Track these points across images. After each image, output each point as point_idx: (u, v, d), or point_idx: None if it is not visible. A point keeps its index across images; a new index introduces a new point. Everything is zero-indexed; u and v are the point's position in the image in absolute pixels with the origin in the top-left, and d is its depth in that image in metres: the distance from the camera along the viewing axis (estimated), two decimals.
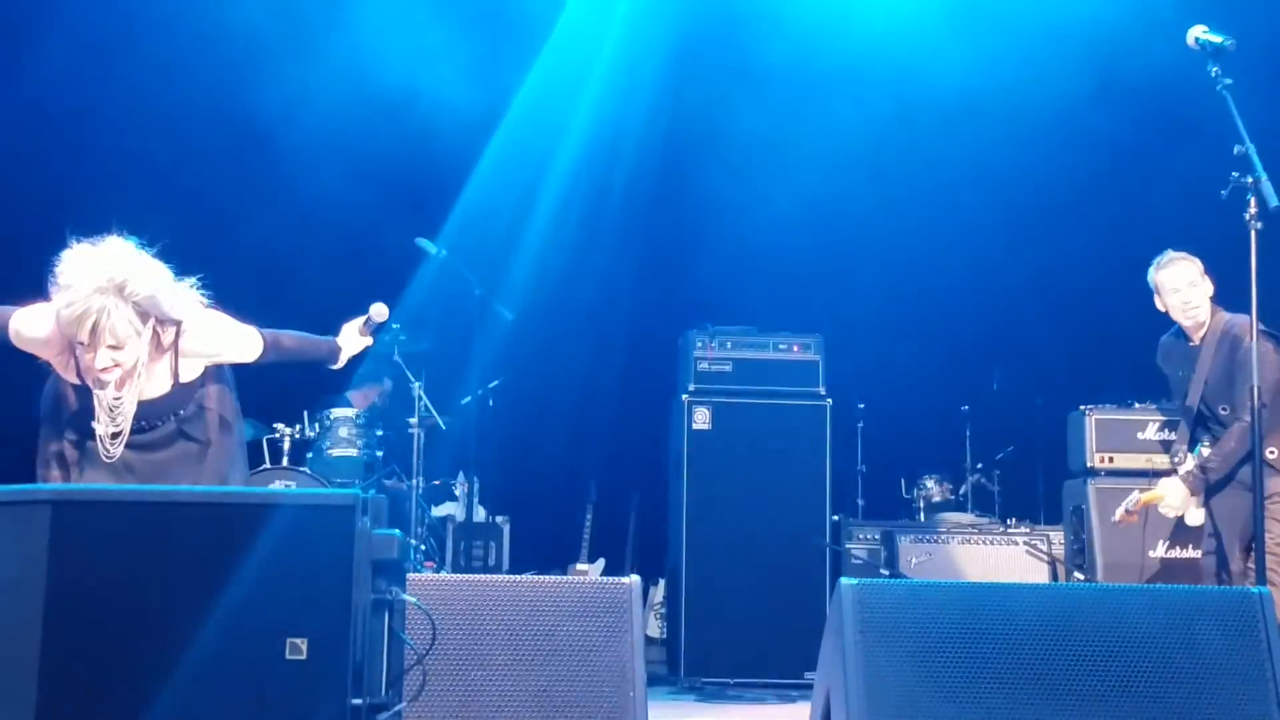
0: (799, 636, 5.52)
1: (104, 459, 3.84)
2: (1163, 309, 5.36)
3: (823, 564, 6.37)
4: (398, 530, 1.75)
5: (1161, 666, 2.86)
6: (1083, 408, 6.59)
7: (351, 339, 4.36)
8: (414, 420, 6.89)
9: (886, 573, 6.56)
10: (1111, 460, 6.44)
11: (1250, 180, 3.90)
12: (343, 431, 6.97)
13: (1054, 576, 6.61)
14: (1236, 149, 3.93)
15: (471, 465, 7.37)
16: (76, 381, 3.89)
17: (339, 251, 7.71)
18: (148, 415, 3.91)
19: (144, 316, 3.71)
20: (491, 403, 7.26)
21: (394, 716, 1.77)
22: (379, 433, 7.14)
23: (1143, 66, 6.71)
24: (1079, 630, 2.95)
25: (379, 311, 4.36)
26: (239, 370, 4.24)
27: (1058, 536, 6.79)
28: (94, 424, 3.82)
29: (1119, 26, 6.89)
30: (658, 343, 7.36)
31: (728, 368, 6.63)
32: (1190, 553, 5.91)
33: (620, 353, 8.30)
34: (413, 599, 1.77)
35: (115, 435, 3.81)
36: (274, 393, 6.59)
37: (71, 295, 3.63)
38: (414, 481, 6.81)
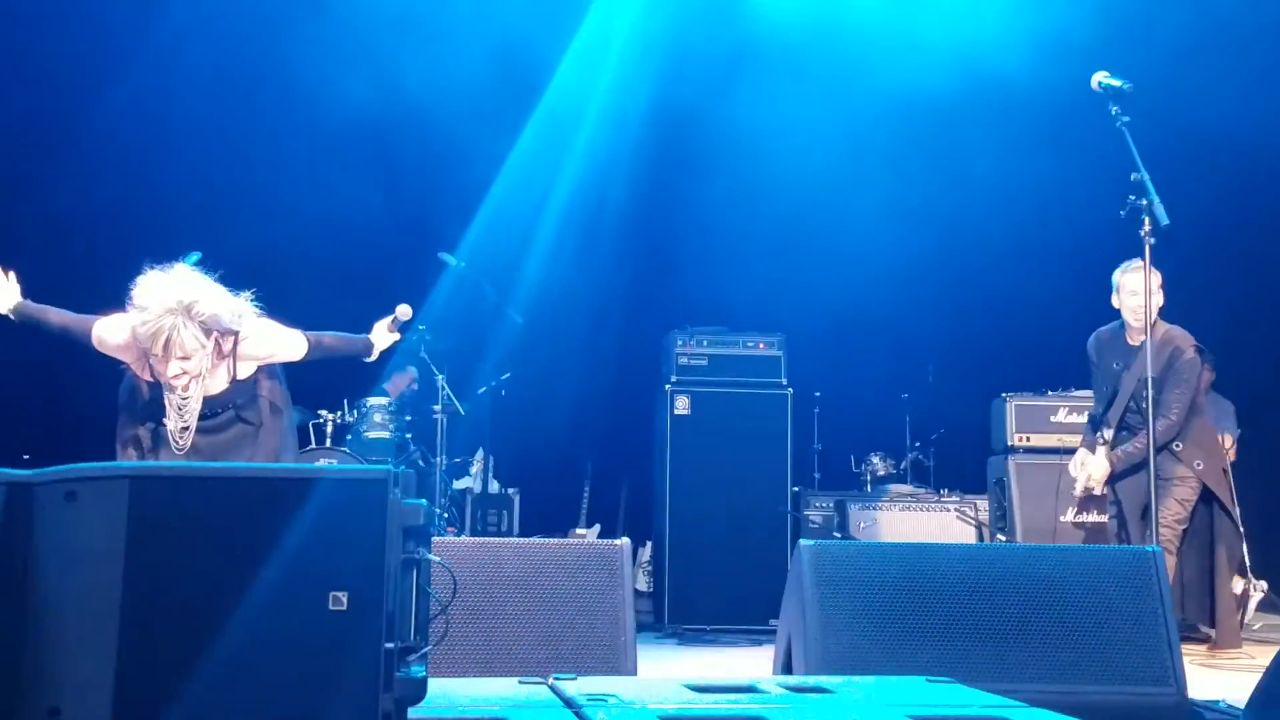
0: (765, 589, 5.51)
1: (175, 450, 3.87)
2: (1116, 305, 5.31)
3: (784, 528, 6.35)
4: (424, 500, 1.74)
5: (1071, 613, 2.87)
6: (1004, 395, 6.61)
7: (382, 335, 4.39)
8: (438, 407, 6.86)
9: (839, 535, 6.56)
10: (1028, 439, 6.47)
11: (1145, 203, 3.90)
12: (377, 417, 6.96)
13: (980, 538, 6.61)
14: (1133, 176, 3.94)
15: (487, 445, 7.36)
16: (149, 379, 3.90)
17: (372, 261, 7.68)
18: (210, 406, 3.94)
19: (207, 331, 3.75)
20: (504, 392, 7.25)
21: (422, 658, 1.76)
22: (408, 418, 7.12)
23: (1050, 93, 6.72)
24: (1000, 583, 2.95)
25: (403, 311, 4.38)
26: (289, 365, 4.25)
27: (983, 504, 6.80)
28: (165, 420, 3.86)
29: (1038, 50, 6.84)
30: (645, 341, 7.33)
31: (704, 362, 6.61)
32: (1096, 517, 5.91)
33: (613, 349, 8.26)
34: (437, 558, 1.76)
35: (184, 429, 3.85)
36: (319, 384, 6.58)
37: (146, 315, 3.68)
38: (438, 459, 6.78)
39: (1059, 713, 2.15)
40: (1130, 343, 5.30)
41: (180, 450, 3.89)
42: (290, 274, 6.31)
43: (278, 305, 4.14)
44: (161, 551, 1.73)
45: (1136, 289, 5.08)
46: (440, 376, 6.90)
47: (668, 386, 6.53)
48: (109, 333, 3.93)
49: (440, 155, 7.52)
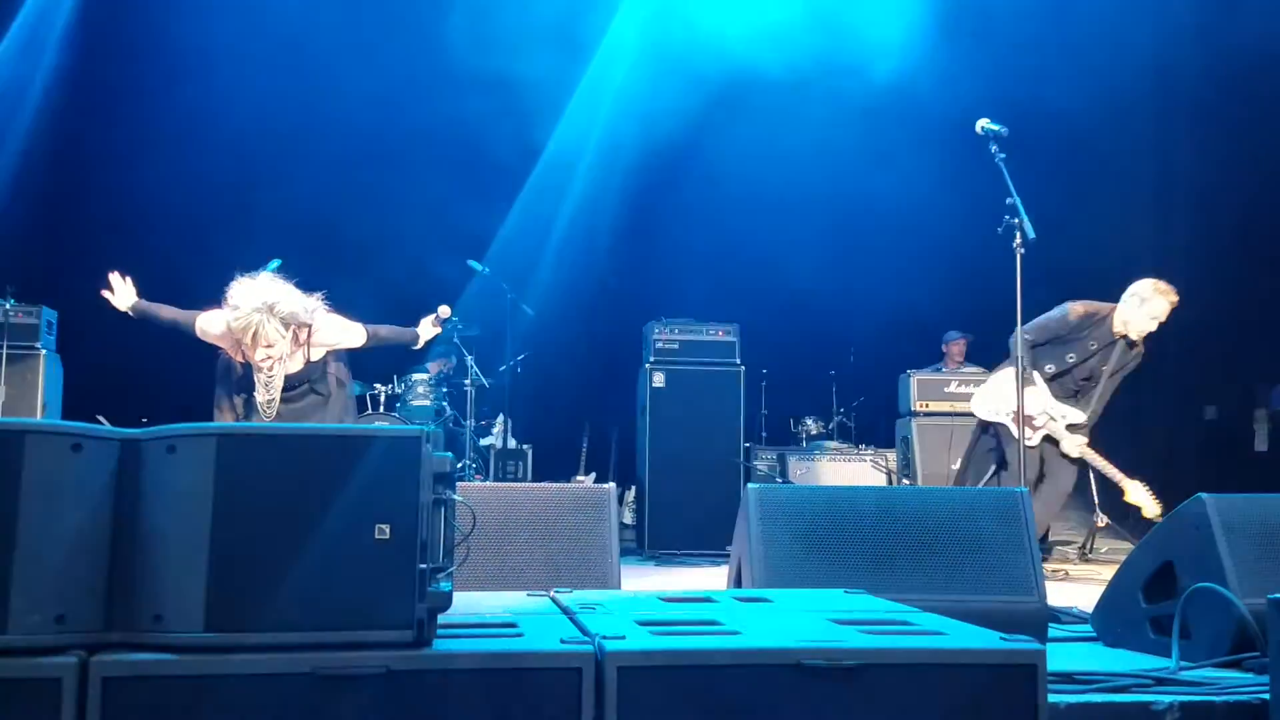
0: (723, 522, 5.40)
1: (263, 417, 3.88)
2: (1134, 313, 4.87)
3: (738, 475, 6.35)
4: (450, 453, 1.73)
5: (956, 539, 2.86)
6: (908, 371, 6.63)
7: (426, 329, 4.40)
8: (468, 381, 6.86)
9: (780, 480, 6.57)
10: (927, 406, 6.51)
11: (1016, 220, 3.89)
12: (420, 389, 6.97)
13: (889, 482, 6.64)
14: (1008, 200, 3.92)
15: (507, 410, 7.34)
16: (241, 361, 3.90)
17: (414, 266, 7.64)
18: (289, 381, 3.94)
19: (286, 325, 3.74)
20: (519, 370, 7.24)
21: (448, 576, 1.75)
22: (444, 389, 7.12)
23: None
24: (902, 516, 2.94)
25: (443, 311, 4.39)
26: (351, 350, 4.25)
27: (892, 456, 6.83)
28: (255, 393, 3.86)
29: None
30: (631, 329, 7.32)
31: (676, 346, 6.59)
32: None
33: (605, 336, 8.26)
34: (460, 498, 1.75)
35: (269, 401, 3.85)
36: (375, 362, 6.57)
37: (239, 312, 3.69)
38: (468, 422, 6.78)
39: (944, 616, 2.16)
40: (1116, 335, 4.91)
41: (267, 417, 3.91)
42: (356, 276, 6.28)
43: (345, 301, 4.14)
44: (243, 493, 1.71)
45: (1159, 316, 4.79)
46: (470, 357, 6.89)
47: (647, 365, 6.53)
48: (209, 325, 3.94)
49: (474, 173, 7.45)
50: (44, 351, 6.42)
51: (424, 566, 1.71)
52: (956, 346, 7.19)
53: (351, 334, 4.12)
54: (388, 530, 1.71)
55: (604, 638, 1.78)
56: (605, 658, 1.73)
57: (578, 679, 1.72)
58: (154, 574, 1.71)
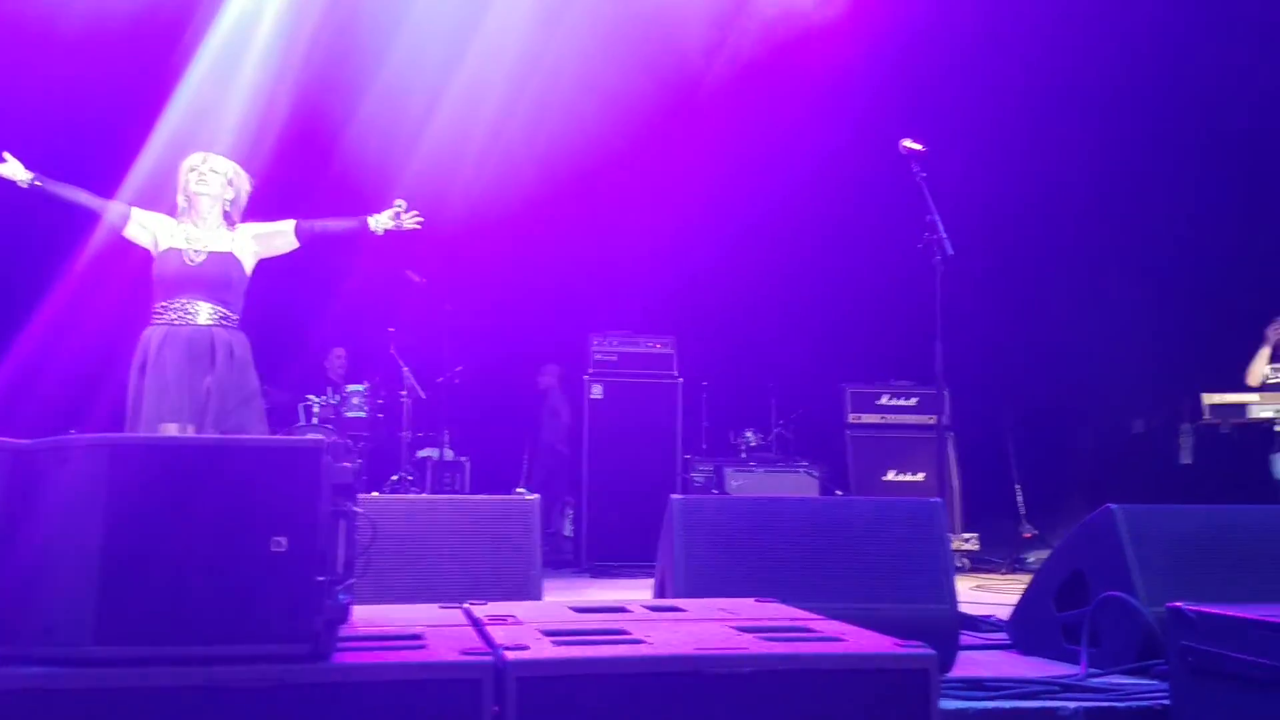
0: (659, 533, 5.53)
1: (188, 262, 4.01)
2: None
3: (675, 486, 6.39)
4: (349, 464, 1.72)
5: (872, 548, 2.90)
6: (843, 384, 6.71)
7: (381, 221, 4.28)
8: (404, 392, 6.81)
9: (716, 491, 6.61)
10: (860, 418, 6.58)
11: (935, 237, 3.96)
12: (355, 400, 6.88)
13: (823, 493, 6.71)
14: (928, 217, 3.99)
15: (444, 423, 7.30)
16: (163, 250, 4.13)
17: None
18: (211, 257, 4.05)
19: (230, 184, 4.15)
20: (458, 380, 7.20)
21: (348, 588, 1.75)
22: (379, 400, 7.05)
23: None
24: (822, 526, 2.97)
25: (399, 204, 4.26)
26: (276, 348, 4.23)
27: (828, 467, 6.90)
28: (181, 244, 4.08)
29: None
30: (572, 341, 7.34)
31: (614, 358, 6.63)
32: (909, 476, 6.03)
33: (547, 347, 8.26)
34: (360, 510, 1.74)
35: (197, 251, 4.08)
36: (313, 373, 6.48)
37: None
38: (404, 433, 6.73)
39: (856, 623, 2.19)
40: None
41: (191, 262, 3.92)
42: None
43: None
44: (136, 504, 1.69)
45: None
46: (406, 369, 6.84)
47: (586, 376, 6.55)
48: (144, 211, 4.04)
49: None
50: None
51: (322, 579, 1.70)
52: None
53: (279, 225, 4.12)
54: (284, 542, 1.70)
55: (505, 649, 1.78)
56: (505, 668, 1.73)
57: (477, 690, 1.72)
58: (45, 586, 1.68)
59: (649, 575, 5.86)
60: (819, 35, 7.09)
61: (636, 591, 5.19)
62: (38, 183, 3.91)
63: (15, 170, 3.91)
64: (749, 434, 7.64)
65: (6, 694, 1.61)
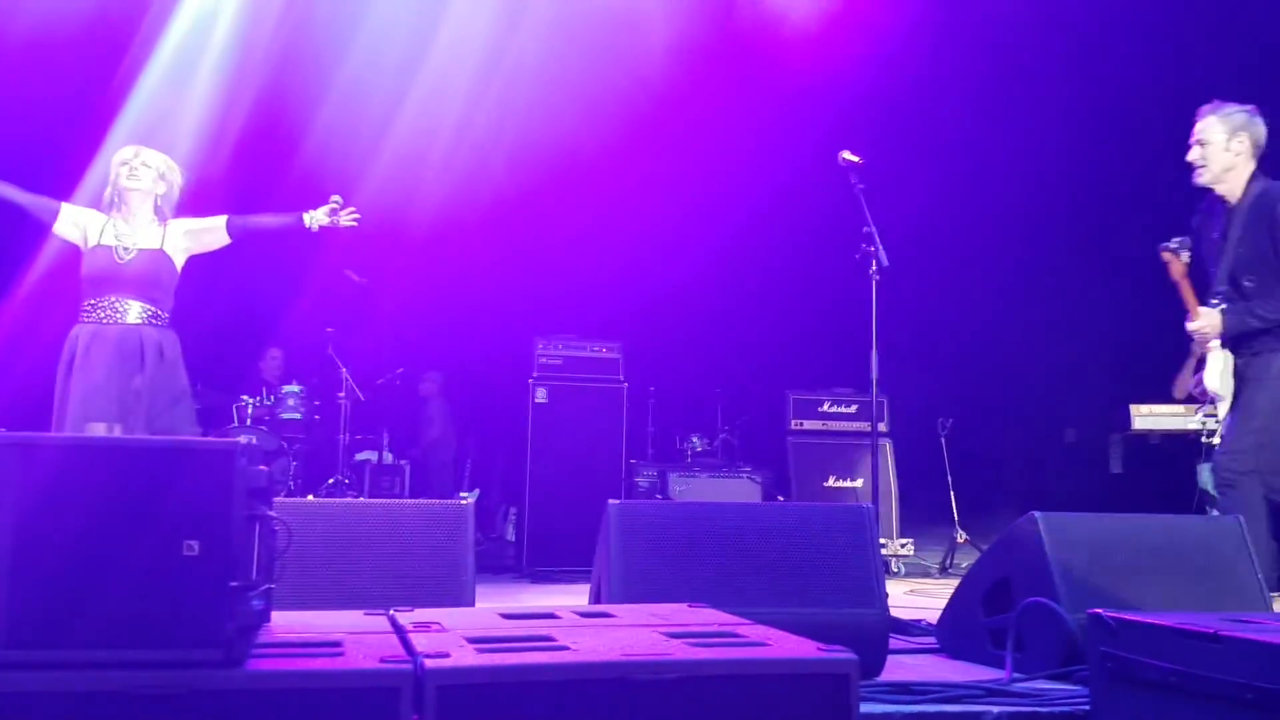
0: None
1: (117, 259, 3.95)
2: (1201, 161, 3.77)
3: (619, 491, 6.38)
4: (265, 467, 1.69)
5: (803, 553, 2.92)
6: (786, 391, 6.76)
7: (317, 217, 4.20)
8: (342, 394, 6.72)
9: (660, 497, 6.61)
10: (802, 425, 6.63)
11: (872, 249, 3.99)
12: (290, 401, 6.76)
13: (766, 498, 6.74)
14: (865, 229, 4.02)
15: (384, 425, 7.21)
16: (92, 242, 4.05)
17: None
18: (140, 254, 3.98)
19: (161, 178, 4.08)
20: (399, 383, 7.12)
21: (263, 594, 1.71)
22: (316, 402, 6.95)
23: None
24: (755, 531, 2.98)
25: (335, 200, 4.19)
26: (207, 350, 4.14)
27: (771, 473, 6.94)
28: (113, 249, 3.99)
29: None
30: (516, 344, 7.30)
31: (559, 362, 6.59)
32: (848, 483, 6.08)
33: (492, 349, 8.20)
34: (274, 514, 1.71)
35: (125, 249, 4.02)
36: (245, 372, 6.35)
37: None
38: (342, 436, 6.63)
39: (786, 628, 2.19)
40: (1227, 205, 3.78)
41: (120, 260, 3.84)
42: None
43: None
44: (45, 505, 1.65)
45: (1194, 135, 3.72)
46: (344, 370, 6.75)
47: (530, 380, 6.51)
48: (75, 206, 3.93)
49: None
50: None
51: (234, 584, 1.66)
52: None
53: (211, 221, 4.04)
54: (196, 546, 1.66)
55: (426, 656, 1.76)
56: (425, 675, 1.71)
57: (395, 699, 1.69)
58: None
59: (590, 581, 5.89)
60: (771, 47, 7.14)
61: (574, 597, 5.14)
62: None
63: None
64: (695, 439, 7.66)
65: None
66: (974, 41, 6.89)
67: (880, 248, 3.93)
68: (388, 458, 7.31)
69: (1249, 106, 3.77)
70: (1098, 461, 6.92)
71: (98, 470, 1.67)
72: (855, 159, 4.13)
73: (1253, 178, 3.73)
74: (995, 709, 2.53)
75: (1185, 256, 3.81)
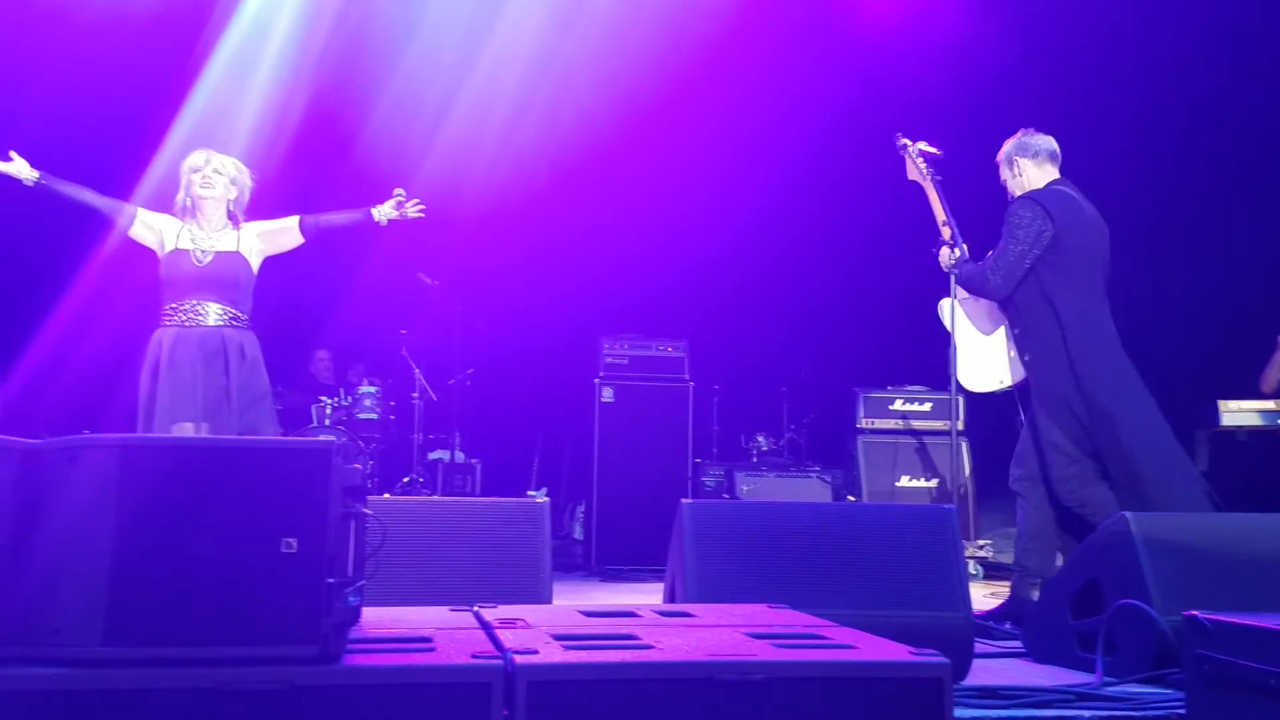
0: (669, 537, 5.52)
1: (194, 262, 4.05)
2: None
3: (686, 490, 6.38)
4: (359, 465, 1.72)
5: (884, 554, 2.88)
6: (855, 389, 6.68)
7: (384, 211, 4.25)
8: (416, 394, 6.82)
9: (727, 496, 6.59)
10: (873, 423, 6.54)
11: (951, 241, 3.93)
12: (367, 402, 6.90)
13: (836, 498, 6.68)
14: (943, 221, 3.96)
15: (455, 425, 7.31)
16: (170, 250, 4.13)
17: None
18: (216, 257, 4.07)
19: (234, 183, 4.13)
20: (469, 383, 7.20)
21: (357, 590, 1.74)
22: (391, 403, 7.07)
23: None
24: (833, 532, 2.95)
25: (398, 193, 4.24)
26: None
27: (840, 473, 6.87)
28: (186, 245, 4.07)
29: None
30: (582, 343, 7.33)
31: (625, 361, 6.60)
32: (923, 483, 6.00)
33: (558, 350, 8.25)
34: (370, 512, 1.74)
35: (204, 251, 4.10)
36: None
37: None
38: (415, 436, 6.74)
39: (868, 630, 2.18)
40: None
41: (198, 263, 3.92)
42: None
43: None
44: (146, 504, 1.70)
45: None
46: (417, 370, 6.85)
47: (596, 380, 6.53)
48: (149, 211, 4.01)
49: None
50: None
51: (331, 580, 1.70)
52: None
53: (284, 222, 4.12)
54: (294, 544, 1.70)
55: (515, 652, 1.78)
56: (515, 672, 1.73)
57: (487, 694, 1.71)
58: (54, 586, 1.68)
59: (659, 579, 5.87)
60: (834, 36, 7.07)
61: (646, 596, 5.17)
62: (43, 181, 3.93)
63: (21, 169, 3.93)
64: (761, 438, 7.61)
65: (16, 695, 1.61)
66: (1067, 21, 6.72)
67: (960, 239, 3.87)
68: (459, 457, 7.40)
69: None
70: None
71: (198, 470, 1.72)
72: (932, 150, 4.07)
73: None
74: (1087, 714, 2.48)
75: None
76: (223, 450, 1.75)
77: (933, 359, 5.86)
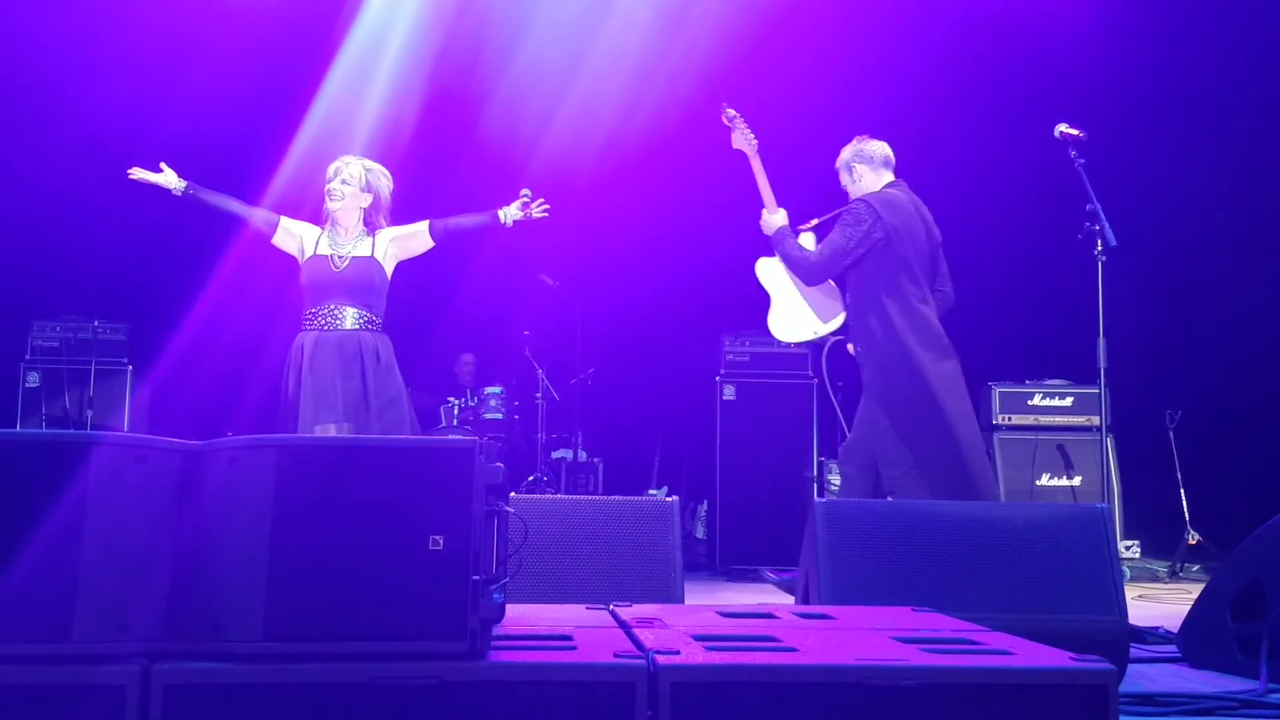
0: (794, 537, 5.43)
1: (332, 268, 4.17)
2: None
3: (810, 489, 6.30)
4: (501, 464, 1.74)
5: (1033, 556, 2.78)
6: (990, 383, 6.47)
7: (510, 212, 4.31)
8: (539, 394, 6.92)
9: None
10: (1010, 420, 6.32)
11: (1097, 227, 3.78)
12: (492, 402, 7.05)
13: None
14: (1088, 206, 3.81)
15: (577, 424, 7.39)
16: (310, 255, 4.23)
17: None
18: (352, 261, 4.19)
19: (364, 178, 4.19)
20: (590, 383, 7.27)
21: (501, 587, 1.77)
22: (516, 403, 7.20)
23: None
24: (977, 532, 2.87)
25: (524, 194, 4.29)
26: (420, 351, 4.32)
27: None
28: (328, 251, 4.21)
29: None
30: (703, 342, 7.31)
31: (746, 359, 6.58)
32: (1064, 481, 5.78)
33: (679, 348, 8.25)
34: (512, 510, 1.76)
35: (340, 256, 4.20)
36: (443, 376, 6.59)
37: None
38: (539, 435, 6.84)
39: (1017, 635, 2.10)
40: None
41: (335, 269, 4.04)
42: None
43: None
44: (301, 503, 1.76)
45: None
46: (540, 371, 6.95)
47: (717, 378, 6.52)
48: (291, 220, 4.15)
49: None
50: (130, 367, 6.66)
51: (476, 578, 1.72)
52: None
53: (415, 227, 4.22)
54: (441, 541, 1.73)
55: (658, 652, 1.77)
56: (658, 672, 1.72)
57: (630, 693, 1.71)
58: (214, 583, 1.76)
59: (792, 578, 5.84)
60: (965, 21, 6.85)
61: (774, 595, 5.13)
62: (190, 191, 4.12)
63: (170, 179, 4.13)
64: None
65: (180, 688, 1.68)
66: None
67: (1107, 226, 3.71)
68: (582, 455, 7.48)
69: None
70: None
71: (349, 470, 1.77)
72: (1075, 132, 3.92)
73: None
74: None
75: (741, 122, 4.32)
76: (371, 450, 1.79)
77: (1071, 352, 5.63)
